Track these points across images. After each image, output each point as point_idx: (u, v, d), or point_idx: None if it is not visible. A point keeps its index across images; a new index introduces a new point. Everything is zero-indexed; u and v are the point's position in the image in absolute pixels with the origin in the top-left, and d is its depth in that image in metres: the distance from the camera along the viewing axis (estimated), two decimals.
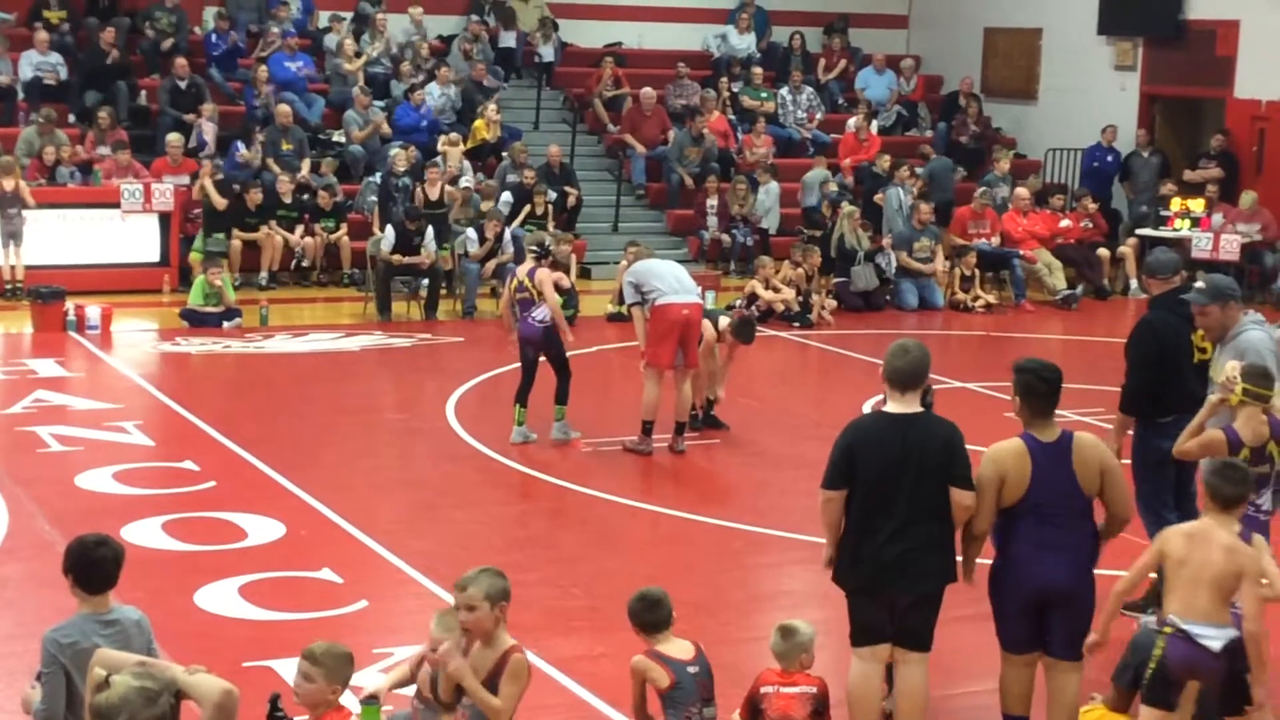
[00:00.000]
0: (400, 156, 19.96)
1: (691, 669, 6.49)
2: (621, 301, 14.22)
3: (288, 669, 7.58)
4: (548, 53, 23.86)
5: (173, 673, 5.24)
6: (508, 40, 24.02)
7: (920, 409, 6.84)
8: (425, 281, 18.15)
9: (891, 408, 6.82)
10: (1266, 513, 7.41)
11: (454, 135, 21.20)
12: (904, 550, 6.68)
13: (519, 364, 12.73)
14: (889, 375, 6.81)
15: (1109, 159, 23.44)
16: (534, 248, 12.66)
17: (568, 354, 12.71)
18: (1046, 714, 6.97)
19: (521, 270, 12.52)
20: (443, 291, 18.36)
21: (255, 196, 19.46)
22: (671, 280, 12.30)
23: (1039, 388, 6.81)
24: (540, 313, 12.31)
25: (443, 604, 8.83)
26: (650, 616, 6.57)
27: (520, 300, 12.39)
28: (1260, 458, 7.35)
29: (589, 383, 13.92)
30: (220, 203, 19.07)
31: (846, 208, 20.19)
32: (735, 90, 24.27)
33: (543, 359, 12.58)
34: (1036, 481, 6.72)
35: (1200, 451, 7.52)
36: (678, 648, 6.55)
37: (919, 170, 22.35)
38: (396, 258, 17.86)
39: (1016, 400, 6.87)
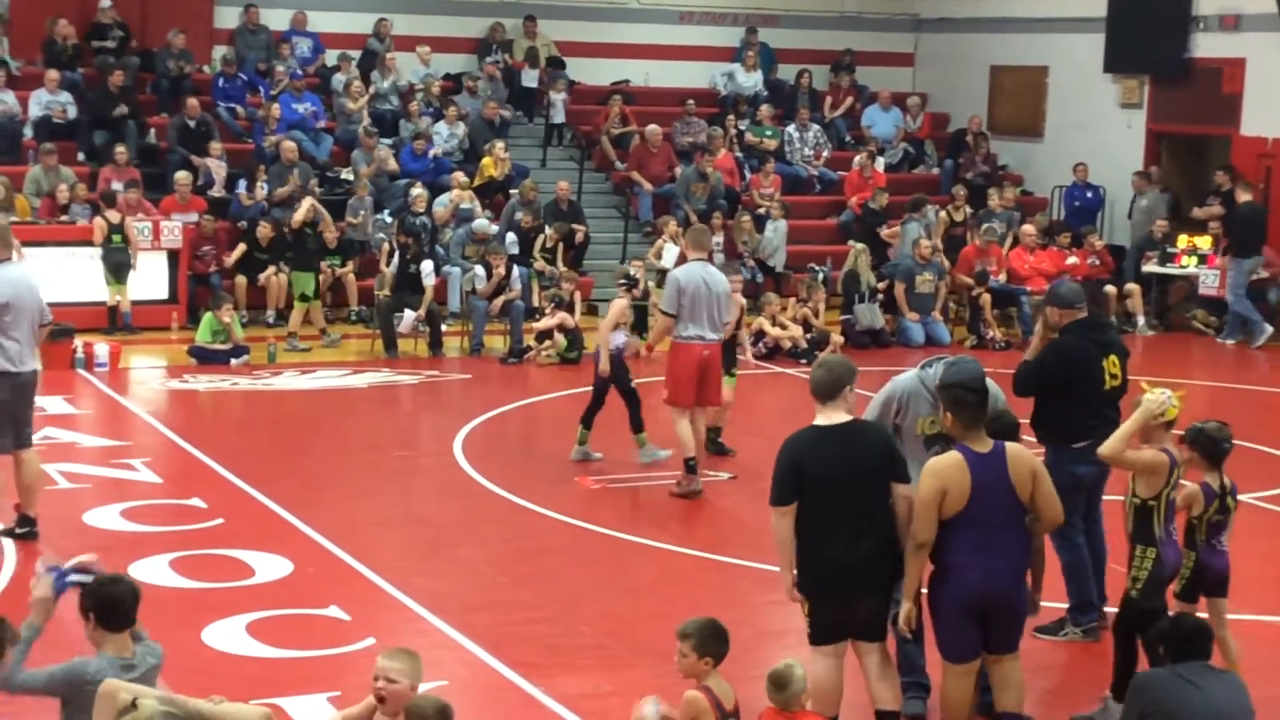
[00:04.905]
0: (420, 198, 20.04)
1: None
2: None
3: (296, 706, 7.60)
4: (558, 104, 23.82)
5: (195, 705, 5.27)
6: (530, 80, 24.08)
7: (850, 418, 7.20)
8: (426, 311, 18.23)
9: (821, 420, 7.18)
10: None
11: (462, 178, 21.23)
12: (868, 556, 7.00)
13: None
14: (812, 389, 7.27)
15: (1089, 195, 23.58)
16: (622, 280, 13.10)
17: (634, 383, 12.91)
18: (996, 700, 7.29)
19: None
20: (446, 327, 18.42)
21: (266, 231, 19.53)
22: (704, 313, 11.94)
23: (968, 399, 7.05)
24: (618, 340, 12.65)
25: (451, 642, 8.85)
26: (720, 648, 6.63)
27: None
28: (1174, 481, 7.71)
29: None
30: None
31: (857, 245, 20.23)
32: (742, 128, 24.35)
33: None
34: (977, 493, 6.93)
35: (1141, 467, 7.64)
36: (727, 692, 6.61)
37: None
38: (385, 292, 17.97)
39: (947, 416, 7.12)
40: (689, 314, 11.96)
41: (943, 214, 22.33)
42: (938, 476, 6.95)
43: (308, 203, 19.19)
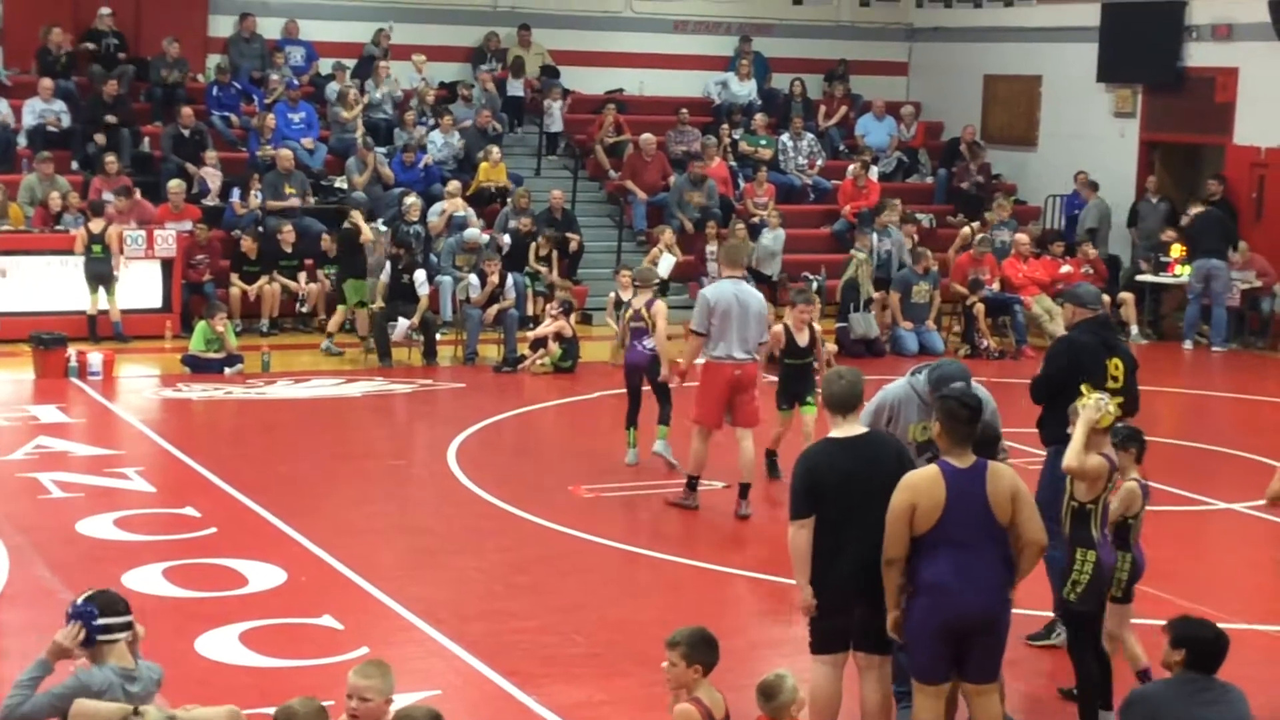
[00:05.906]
0: (414, 207, 20.03)
1: None
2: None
3: None
4: (555, 113, 23.80)
5: (169, 713, 5.33)
6: (515, 89, 24.09)
7: (865, 430, 7.25)
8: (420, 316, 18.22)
9: (837, 433, 7.19)
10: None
11: (454, 184, 21.21)
12: (874, 566, 6.93)
13: (625, 390, 13.35)
14: (828, 402, 7.25)
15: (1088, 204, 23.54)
16: (656, 281, 13.56)
17: (670, 386, 12.85)
18: None
19: (639, 301, 13.05)
20: (440, 336, 18.41)
21: (249, 244, 19.53)
22: (734, 332, 11.68)
23: (961, 414, 6.94)
24: (650, 341, 12.81)
25: (445, 651, 8.85)
26: (709, 656, 6.59)
27: (634, 329, 12.97)
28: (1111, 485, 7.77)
29: (590, 429, 13.93)
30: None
31: (859, 255, 20.23)
32: (735, 137, 24.36)
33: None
34: (951, 507, 6.81)
35: (1093, 475, 7.56)
36: (717, 702, 6.55)
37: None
38: (379, 302, 18.03)
39: (937, 426, 7.02)
40: (719, 332, 11.70)
41: (964, 229, 22.24)
42: (908, 490, 6.85)
43: (359, 214, 19.17)
